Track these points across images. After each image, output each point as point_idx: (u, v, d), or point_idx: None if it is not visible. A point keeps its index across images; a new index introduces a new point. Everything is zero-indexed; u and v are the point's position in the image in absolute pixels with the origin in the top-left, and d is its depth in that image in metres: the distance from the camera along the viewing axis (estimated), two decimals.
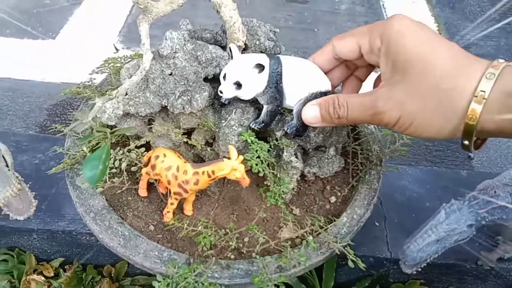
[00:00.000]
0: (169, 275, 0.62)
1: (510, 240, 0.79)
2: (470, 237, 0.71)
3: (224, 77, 0.53)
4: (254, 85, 0.52)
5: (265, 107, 0.56)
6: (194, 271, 0.62)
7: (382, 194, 0.87)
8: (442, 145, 1.30)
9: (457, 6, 1.89)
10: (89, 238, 0.90)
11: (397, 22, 0.44)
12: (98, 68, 0.88)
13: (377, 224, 0.89)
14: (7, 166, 0.72)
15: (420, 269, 0.72)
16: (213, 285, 0.60)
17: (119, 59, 0.89)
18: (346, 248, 0.65)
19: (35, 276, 0.94)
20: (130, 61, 0.82)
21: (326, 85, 0.54)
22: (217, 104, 0.68)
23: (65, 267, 0.95)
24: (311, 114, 0.51)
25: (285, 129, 0.56)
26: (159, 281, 0.62)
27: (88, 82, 0.86)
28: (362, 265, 0.63)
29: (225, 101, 0.60)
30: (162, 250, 0.65)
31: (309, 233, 0.67)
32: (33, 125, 1.34)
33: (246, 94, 0.53)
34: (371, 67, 0.55)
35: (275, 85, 0.52)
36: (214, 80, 0.67)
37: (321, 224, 0.68)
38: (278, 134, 0.63)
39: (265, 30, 0.73)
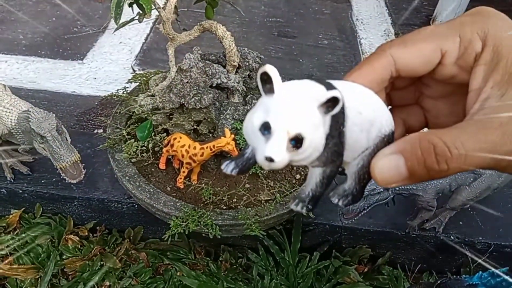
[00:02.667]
0: (180, 216, 0.91)
1: (423, 207, 1.08)
2: (389, 199, 1.00)
3: (266, 128, 0.26)
4: (320, 137, 0.27)
5: (318, 172, 0.31)
6: (198, 214, 0.91)
7: (338, 178, 1.17)
8: None
9: None
10: (116, 205, 1.17)
11: (498, 18, 0.30)
12: (130, 80, 1.19)
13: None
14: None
15: (354, 220, 1.00)
16: (211, 221, 0.89)
17: (145, 74, 1.21)
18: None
19: (71, 236, 1.21)
20: (153, 75, 1.13)
21: (392, 121, 0.32)
22: (218, 104, 0.99)
23: (97, 228, 1.24)
24: (391, 170, 0.28)
25: (335, 201, 0.33)
26: (173, 220, 0.91)
27: (122, 89, 1.17)
28: (312, 216, 0.93)
29: (234, 171, 0.31)
30: (176, 202, 0.94)
31: (278, 193, 0.97)
32: (66, 128, 1.64)
33: (307, 155, 0.27)
34: (419, 87, 0.36)
35: (339, 132, 0.28)
36: (216, 87, 0.98)
37: (287, 188, 0.98)
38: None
39: (253, 55, 1.05)
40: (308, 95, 0.26)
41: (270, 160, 0.25)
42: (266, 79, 0.26)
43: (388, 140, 0.30)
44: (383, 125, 0.30)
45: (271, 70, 0.26)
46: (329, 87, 0.28)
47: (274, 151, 0.25)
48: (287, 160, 0.25)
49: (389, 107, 0.36)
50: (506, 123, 0.26)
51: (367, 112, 0.29)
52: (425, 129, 0.34)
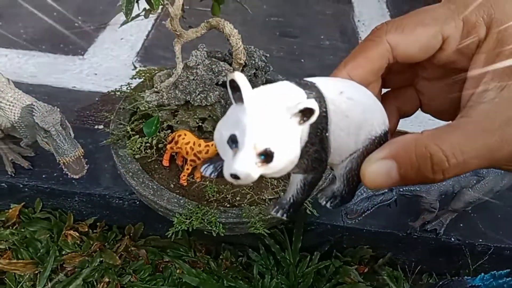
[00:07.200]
0: (184, 213, 0.91)
1: (425, 209, 1.08)
2: (393, 200, 1.00)
3: (233, 141, 0.25)
4: (294, 150, 0.25)
5: (299, 178, 0.30)
6: (202, 211, 0.91)
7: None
8: None
9: None
10: (117, 202, 1.17)
11: (506, 1, 0.27)
12: (133, 76, 1.19)
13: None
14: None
15: (357, 220, 1.01)
16: (215, 219, 0.89)
17: (148, 71, 1.20)
18: (307, 203, 0.95)
19: (71, 232, 1.21)
20: (157, 72, 1.13)
21: (386, 120, 0.30)
22: (223, 102, 0.99)
23: (97, 224, 1.23)
24: (382, 176, 0.27)
25: (323, 202, 0.32)
26: (177, 217, 0.91)
27: (126, 85, 1.16)
28: (315, 213, 0.93)
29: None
30: (179, 199, 0.94)
31: (282, 192, 0.97)
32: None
33: (279, 169, 0.25)
34: (415, 69, 0.34)
35: (320, 138, 0.27)
36: (222, 85, 0.98)
37: None
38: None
39: (259, 54, 1.05)
40: (280, 105, 0.25)
41: (235, 177, 0.24)
42: (236, 86, 0.25)
43: (379, 141, 0.29)
44: (374, 127, 0.28)
45: (239, 77, 0.25)
46: (310, 89, 0.27)
47: (240, 168, 0.24)
48: (255, 176, 0.24)
49: (382, 91, 0.36)
50: (504, 124, 0.24)
51: (355, 114, 0.28)
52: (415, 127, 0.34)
